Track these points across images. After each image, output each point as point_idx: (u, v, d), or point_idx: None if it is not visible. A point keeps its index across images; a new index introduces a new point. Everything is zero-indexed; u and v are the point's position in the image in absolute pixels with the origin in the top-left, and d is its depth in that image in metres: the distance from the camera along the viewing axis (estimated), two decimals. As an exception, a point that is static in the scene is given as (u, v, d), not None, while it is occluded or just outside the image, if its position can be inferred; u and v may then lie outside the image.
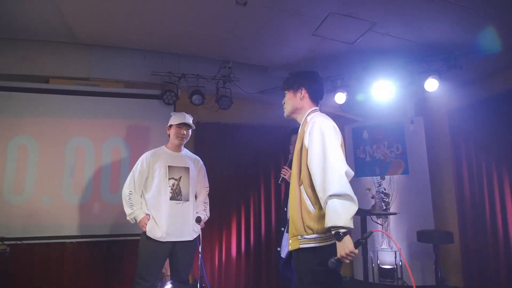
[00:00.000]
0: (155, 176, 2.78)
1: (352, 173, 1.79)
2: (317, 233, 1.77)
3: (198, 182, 2.98)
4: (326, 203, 1.69)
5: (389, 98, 3.99)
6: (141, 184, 2.81)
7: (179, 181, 2.82)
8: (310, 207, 1.80)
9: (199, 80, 4.14)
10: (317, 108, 2.08)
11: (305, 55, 4.04)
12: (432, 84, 3.67)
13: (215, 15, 3.30)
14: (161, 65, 4.08)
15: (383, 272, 4.42)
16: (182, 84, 4.09)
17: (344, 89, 4.21)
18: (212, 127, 4.77)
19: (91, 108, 3.95)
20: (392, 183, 4.66)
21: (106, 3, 3.11)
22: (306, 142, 1.87)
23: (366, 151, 4.97)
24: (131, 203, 2.75)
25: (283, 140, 3.12)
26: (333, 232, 1.65)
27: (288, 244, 1.94)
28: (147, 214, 2.74)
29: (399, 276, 4.37)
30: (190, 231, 2.79)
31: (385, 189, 4.51)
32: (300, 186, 1.88)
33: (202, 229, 2.98)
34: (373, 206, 4.11)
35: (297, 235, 1.83)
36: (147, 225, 2.70)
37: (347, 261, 1.64)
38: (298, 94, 2.07)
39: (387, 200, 4.40)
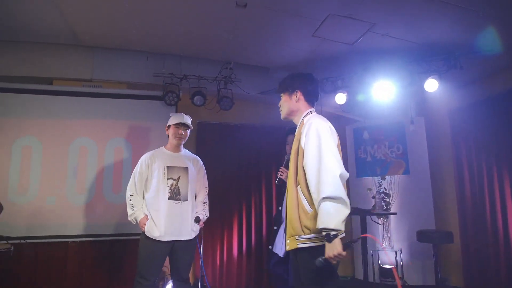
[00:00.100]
0: (154, 177, 2.83)
1: (347, 174, 1.81)
2: (314, 233, 1.80)
3: (197, 182, 3.01)
4: (319, 204, 1.72)
5: (389, 98, 4.00)
6: (141, 185, 2.86)
7: (178, 181, 2.86)
8: (307, 207, 1.82)
9: (200, 81, 4.17)
10: (313, 109, 2.10)
11: (305, 56, 4.07)
12: (432, 84, 3.68)
13: (215, 17, 3.33)
14: (162, 67, 4.12)
15: (384, 272, 4.43)
16: (184, 85, 4.13)
17: (344, 89, 4.23)
18: (214, 128, 4.81)
19: (94, 109, 4.00)
20: (393, 183, 4.67)
21: (108, 6, 3.16)
22: (302, 143, 1.89)
23: (367, 151, 4.99)
24: (132, 204, 2.82)
25: (284, 140, 3.15)
26: (323, 234, 1.69)
27: (286, 244, 1.96)
28: (146, 215, 2.79)
29: (400, 275, 4.37)
30: (188, 231, 2.82)
31: (385, 189, 4.52)
32: (297, 186, 1.90)
33: (203, 229, 3.01)
34: (374, 206, 4.12)
35: (294, 235, 1.85)
36: (146, 225, 2.75)
37: (334, 262, 1.68)
38: (294, 97, 2.09)
39: (387, 200, 4.41)
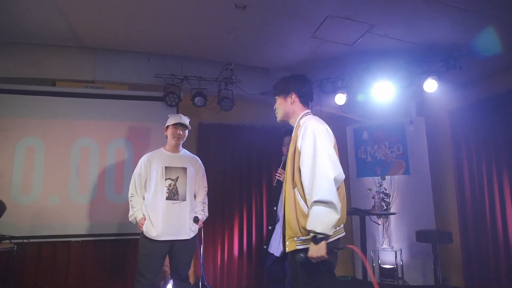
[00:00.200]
0: (152, 177, 2.87)
1: (342, 176, 1.82)
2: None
3: (196, 182, 3.04)
4: (311, 207, 1.76)
5: (389, 98, 4.02)
6: (141, 186, 2.91)
7: (176, 181, 2.90)
8: (305, 208, 1.84)
9: (201, 82, 4.21)
10: (308, 110, 2.11)
11: (305, 57, 4.09)
12: (431, 85, 3.69)
13: (215, 18, 3.36)
14: (164, 68, 4.16)
15: (384, 272, 4.44)
16: (185, 86, 4.17)
17: (344, 90, 4.25)
18: (215, 128, 4.84)
19: (96, 110, 4.04)
20: (393, 183, 4.68)
21: (109, 8, 3.19)
22: (299, 145, 1.91)
23: (367, 151, 5.00)
24: (132, 205, 2.89)
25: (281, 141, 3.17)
26: (311, 235, 1.73)
27: (285, 246, 1.97)
28: (144, 215, 2.84)
29: (400, 275, 4.39)
30: (187, 230, 2.86)
31: (385, 189, 4.54)
32: (294, 188, 1.91)
33: (204, 229, 3.04)
34: (373, 206, 4.14)
35: (293, 237, 1.86)
36: (144, 225, 2.79)
37: (314, 261, 1.74)
38: (289, 99, 2.10)
39: (387, 200, 4.43)
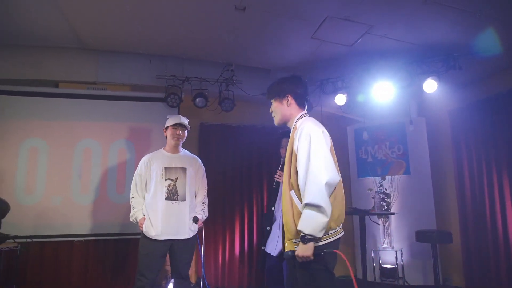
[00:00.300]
0: (152, 178, 2.92)
1: (336, 180, 1.83)
2: None
3: (196, 182, 3.07)
4: (302, 209, 1.80)
5: (389, 99, 4.03)
6: (142, 186, 2.96)
7: (176, 181, 2.93)
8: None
9: (202, 83, 4.24)
10: (305, 112, 2.11)
11: (306, 57, 4.12)
12: (430, 85, 3.70)
13: (215, 20, 3.39)
14: (165, 69, 4.20)
15: (385, 272, 4.45)
16: (186, 87, 4.20)
17: (344, 90, 4.27)
18: (216, 129, 4.87)
19: (99, 111, 4.09)
20: (393, 183, 4.68)
21: (111, 10, 3.24)
22: (295, 148, 1.92)
23: (368, 151, 5.01)
24: (133, 205, 2.94)
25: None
26: (301, 235, 1.77)
27: (284, 247, 1.99)
28: (144, 215, 2.88)
29: (400, 275, 4.40)
30: (186, 230, 2.89)
31: (386, 189, 4.55)
32: (290, 190, 1.93)
33: (205, 228, 3.07)
34: (373, 206, 4.15)
35: (291, 239, 1.88)
36: (143, 225, 2.84)
37: (300, 260, 1.78)
38: (285, 102, 2.09)
39: (388, 200, 4.44)
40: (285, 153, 2.08)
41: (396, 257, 4.46)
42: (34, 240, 3.61)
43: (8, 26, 3.50)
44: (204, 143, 4.82)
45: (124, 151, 4.10)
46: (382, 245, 4.59)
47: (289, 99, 2.08)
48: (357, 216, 4.25)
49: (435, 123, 4.80)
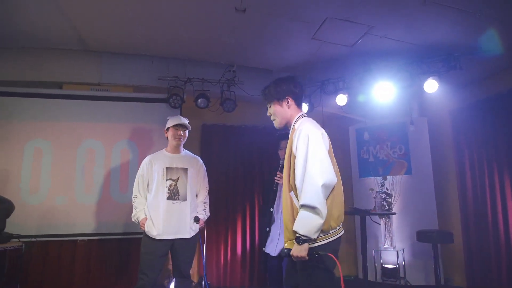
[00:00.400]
0: (154, 178, 2.95)
1: (334, 180, 1.83)
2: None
3: (197, 182, 3.11)
4: (299, 209, 1.82)
5: (390, 99, 4.04)
6: (144, 187, 3.00)
7: (177, 181, 2.97)
8: None
9: (204, 83, 4.27)
10: (303, 112, 2.10)
11: (306, 58, 4.14)
12: (431, 85, 3.71)
13: (216, 21, 3.43)
14: (167, 70, 4.24)
15: (386, 272, 4.46)
16: (188, 88, 4.24)
17: (345, 90, 4.28)
18: (217, 129, 4.91)
19: (102, 112, 4.14)
20: (395, 183, 4.69)
21: (114, 13, 3.28)
22: (294, 149, 1.92)
23: (370, 151, 5.02)
24: (135, 205, 2.98)
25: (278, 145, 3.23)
26: (296, 235, 1.79)
27: (284, 248, 2.00)
28: (146, 215, 2.92)
29: (402, 275, 4.40)
30: (187, 229, 2.92)
31: (387, 189, 4.55)
32: (290, 192, 1.95)
33: (207, 229, 3.10)
34: (374, 206, 4.16)
35: (292, 239, 1.89)
36: (145, 224, 2.87)
37: (294, 259, 1.81)
38: (285, 104, 2.06)
39: (389, 200, 4.44)
40: (284, 155, 2.09)
41: (398, 257, 4.46)
42: (38, 239, 3.66)
43: (13, 29, 3.55)
44: (206, 143, 4.86)
45: (127, 152, 4.14)
46: (384, 245, 4.59)
47: (289, 100, 2.06)
48: (358, 216, 4.27)
49: (436, 123, 4.80)
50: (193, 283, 3.98)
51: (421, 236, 3.90)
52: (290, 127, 2.07)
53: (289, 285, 2.06)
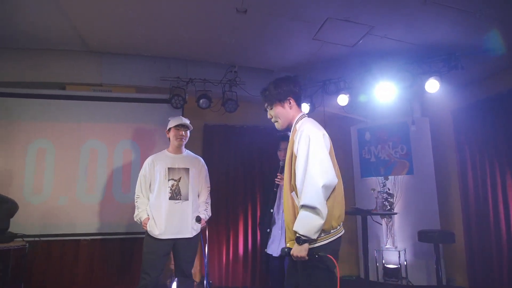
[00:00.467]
0: (156, 178, 2.98)
1: (335, 181, 1.84)
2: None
3: (199, 182, 3.13)
4: (299, 210, 1.83)
5: (391, 99, 4.04)
6: (146, 187, 3.02)
7: (179, 181, 2.99)
8: None
9: (206, 84, 4.29)
10: (303, 113, 2.09)
11: (308, 58, 4.16)
12: (432, 85, 3.70)
13: (217, 22, 3.45)
14: (169, 71, 4.26)
15: (388, 272, 4.46)
16: (190, 88, 4.26)
17: (347, 91, 4.29)
18: (219, 130, 4.92)
19: (104, 112, 4.17)
20: (396, 183, 4.69)
21: (115, 13, 3.30)
22: (295, 150, 1.92)
23: (371, 151, 5.02)
24: (137, 205, 3.00)
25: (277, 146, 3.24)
26: (296, 235, 1.80)
27: (285, 247, 2.03)
28: (148, 215, 2.94)
29: (404, 275, 4.40)
30: (189, 229, 2.94)
31: (389, 189, 4.55)
32: (291, 192, 1.96)
33: (209, 229, 3.12)
34: (376, 206, 4.16)
35: (293, 239, 1.89)
36: (147, 224, 2.90)
37: (294, 259, 1.82)
38: (287, 104, 2.04)
39: (391, 200, 4.43)
40: (284, 156, 2.10)
41: (399, 257, 4.46)
42: (42, 239, 3.68)
43: (13, 29, 3.58)
44: (207, 143, 4.88)
45: (129, 152, 4.17)
46: (385, 245, 4.59)
47: (291, 101, 2.05)
48: (357, 215, 4.27)
49: (438, 123, 4.80)
50: (195, 283, 3.99)
51: (423, 236, 3.90)
52: (291, 127, 2.07)
53: (290, 285, 2.07)
